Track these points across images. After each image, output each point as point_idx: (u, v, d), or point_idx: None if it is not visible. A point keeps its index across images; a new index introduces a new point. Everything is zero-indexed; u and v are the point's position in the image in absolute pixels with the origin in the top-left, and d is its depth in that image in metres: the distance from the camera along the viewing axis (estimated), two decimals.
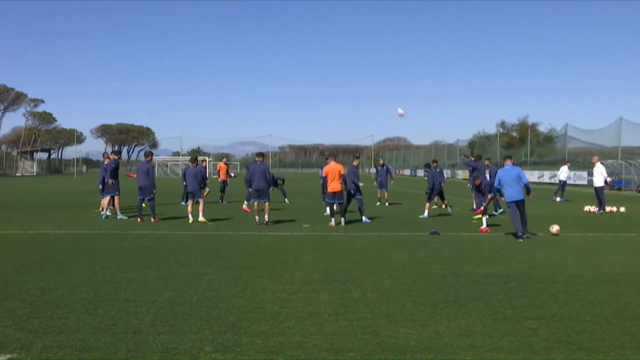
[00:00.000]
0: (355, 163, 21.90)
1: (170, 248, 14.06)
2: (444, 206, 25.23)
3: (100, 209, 23.12)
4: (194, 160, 21.19)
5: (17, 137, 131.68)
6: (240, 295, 9.03)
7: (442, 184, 24.37)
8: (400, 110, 23.55)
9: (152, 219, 20.01)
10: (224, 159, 31.70)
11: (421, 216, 22.63)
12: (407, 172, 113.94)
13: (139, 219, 20.07)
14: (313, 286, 9.73)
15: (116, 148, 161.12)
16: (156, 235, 16.57)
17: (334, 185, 19.43)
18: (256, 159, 19.79)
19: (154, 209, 20.45)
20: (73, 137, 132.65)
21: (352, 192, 20.75)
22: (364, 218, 20.32)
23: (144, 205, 21.03)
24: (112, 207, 24.13)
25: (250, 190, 19.82)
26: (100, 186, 22.16)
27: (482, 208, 18.60)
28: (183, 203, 27.84)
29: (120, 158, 23.16)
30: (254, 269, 11.24)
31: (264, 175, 19.16)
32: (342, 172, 19.55)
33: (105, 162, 23.58)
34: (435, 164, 25.04)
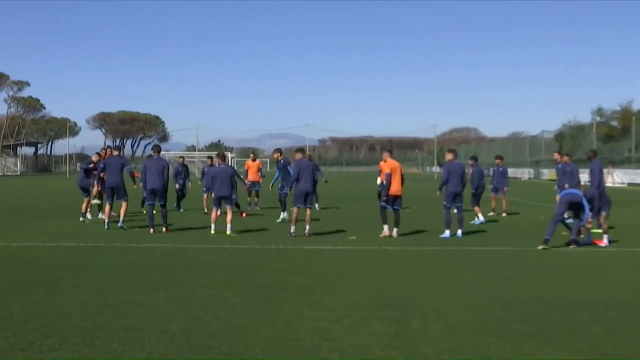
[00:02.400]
0: (498, 162, 22.27)
1: (185, 265, 14.18)
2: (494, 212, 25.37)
3: (100, 215, 23.45)
4: (222, 157, 21.19)
5: None
6: (270, 324, 9.05)
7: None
8: None
9: (163, 229, 20.16)
10: (252, 155, 31.63)
11: (473, 222, 23.60)
12: None
13: (151, 230, 20.20)
14: (361, 313, 9.72)
15: (117, 142, 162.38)
16: (167, 248, 16.71)
17: (397, 187, 19.41)
18: (301, 156, 20.19)
19: (167, 217, 20.62)
20: (65, 128, 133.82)
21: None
22: (459, 231, 20.03)
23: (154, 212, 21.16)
24: (113, 213, 24.40)
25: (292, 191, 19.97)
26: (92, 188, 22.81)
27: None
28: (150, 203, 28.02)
29: (120, 154, 23.41)
30: (288, 291, 11.27)
31: (313, 175, 19.61)
32: (400, 171, 19.66)
33: (95, 160, 23.93)
34: (499, 161, 25.86)
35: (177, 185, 29.25)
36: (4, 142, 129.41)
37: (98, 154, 24.80)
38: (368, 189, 26.88)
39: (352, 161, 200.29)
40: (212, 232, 19.90)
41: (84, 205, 23.62)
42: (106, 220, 21.37)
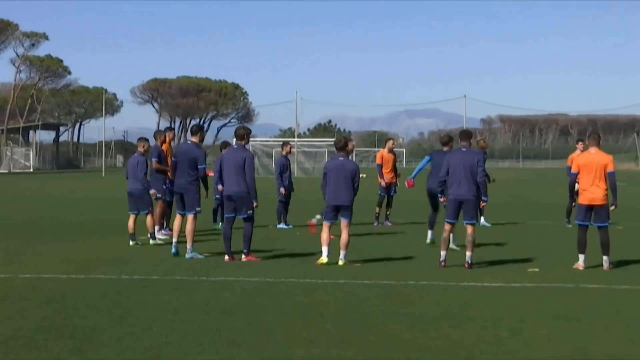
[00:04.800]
0: None
1: (279, 309, 14.32)
2: None
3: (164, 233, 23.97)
4: (342, 145, 20.23)
5: (1, 102, 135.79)
6: None
7: None
8: None
9: (243, 257, 20.01)
10: (391, 141, 31.30)
11: None
12: None
13: (226, 257, 20.30)
14: None
15: (177, 123, 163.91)
16: (251, 284, 16.91)
17: (595, 194, 18.96)
18: (463, 144, 19.65)
19: (251, 238, 20.36)
20: (100, 102, 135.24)
21: None
22: None
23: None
24: (168, 231, 24.75)
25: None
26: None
27: None
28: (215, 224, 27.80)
29: (197, 142, 22.50)
30: (436, 351, 11.28)
31: (475, 174, 19.27)
32: (610, 168, 19.08)
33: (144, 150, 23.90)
34: None
35: (282, 190, 29.15)
36: (11, 124, 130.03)
37: (145, 139, 24.50)
38: (561, 196, 26.57)
39: (533, 152, 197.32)
40: (324, 260, 19.74)
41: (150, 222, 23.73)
42: (174, 241, 21.28)
